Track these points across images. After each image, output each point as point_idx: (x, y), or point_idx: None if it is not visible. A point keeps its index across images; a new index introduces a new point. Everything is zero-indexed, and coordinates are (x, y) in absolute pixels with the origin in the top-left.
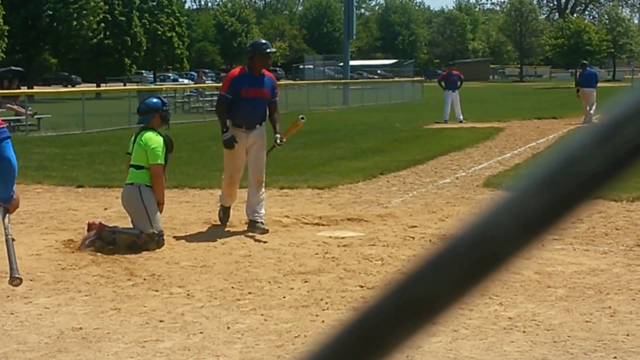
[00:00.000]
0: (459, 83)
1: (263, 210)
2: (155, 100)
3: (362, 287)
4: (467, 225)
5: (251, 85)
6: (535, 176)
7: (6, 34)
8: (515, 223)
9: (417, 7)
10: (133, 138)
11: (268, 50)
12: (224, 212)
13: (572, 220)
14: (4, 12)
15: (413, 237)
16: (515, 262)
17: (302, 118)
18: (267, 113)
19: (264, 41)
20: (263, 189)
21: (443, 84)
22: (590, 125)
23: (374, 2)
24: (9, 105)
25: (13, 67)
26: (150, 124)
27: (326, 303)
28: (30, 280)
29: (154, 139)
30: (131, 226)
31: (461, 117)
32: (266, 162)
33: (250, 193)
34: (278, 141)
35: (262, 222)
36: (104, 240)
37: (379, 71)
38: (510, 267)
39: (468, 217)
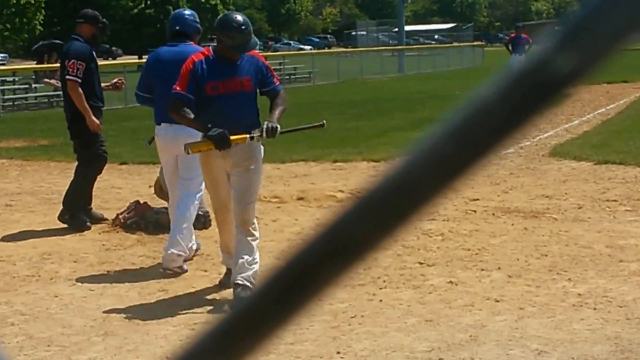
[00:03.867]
0: (527, 47)
1: (254, 268)
2: None
3: (421, 264)
4: (386, 171)
5: (219, 77)
6: (449, 124)
7: (43, 5)
8: (429, 168)
9: None
10: None
11: (240, 36)
12: (227, 276)
13: (480, 167)
14: None
15: (475, 211)
16: (430, 206)
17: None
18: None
19: (235, 17)
20: (255, 235)
21: (510, 47)
22: (500, 75)
23: None
24: (46, 80)
25: (53, 41)
26: None
27: (384, 281)
28: (74, 261)
29: None
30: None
31: None
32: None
33: (235, 235)
34: (248, 139)
35: (244, 285)
36: (147, 221)
37: (436, 36)
38: (426, 211)
39: (390, 163)
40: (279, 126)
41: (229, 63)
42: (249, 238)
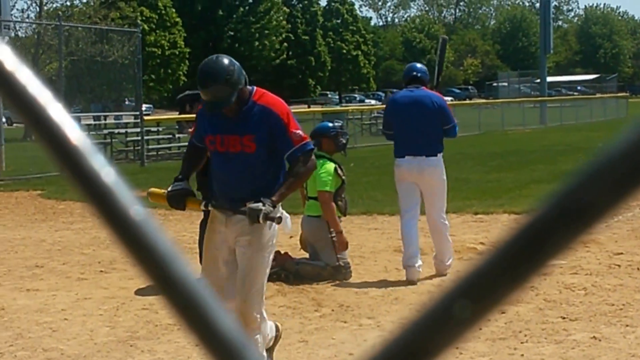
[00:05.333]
0: None
1: None
2: (323, 123)
3: (563, 318)
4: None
5: (218, 130)
6: (583, 172)
7: (187, 56)
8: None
9: (619, 17)
10: None
11: (202, 92)
12: None
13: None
14: (185, 35)
15: (619, 265)
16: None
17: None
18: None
19: (204, 65)
20: (257, 336)
21: None
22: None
23: (572, 14)
24: (190, 130)
25: (197, 92)
26: (321, 149)
27: (525, 335)
28: None
29: (324, 167)
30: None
31: None
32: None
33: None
34: (202, 206)
35: None
36: (287, 271)
37: (578, 87)
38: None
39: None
40: (268, 210)
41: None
42: (255, 335)
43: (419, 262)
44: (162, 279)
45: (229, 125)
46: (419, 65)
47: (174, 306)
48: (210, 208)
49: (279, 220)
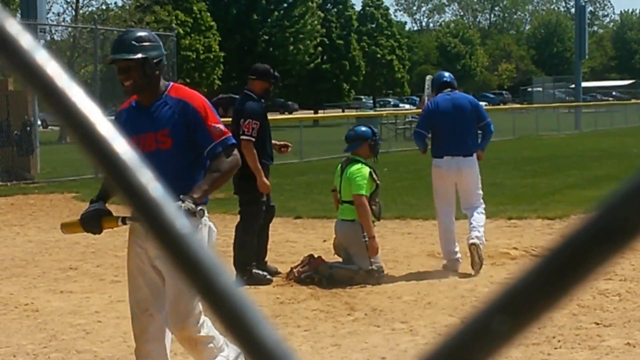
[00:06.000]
0: None
1: None
2: (364, 128)
3: (597, 324)
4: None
5: (135, 132)
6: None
7: (222, 60)
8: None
9: None
10: (339, 171)
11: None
12: None
13: None
14: (220, 39)
15: None
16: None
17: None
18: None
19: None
20: (210, 345)
21: None
22: None
23: (607, 19)
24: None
25: (231, 95)
26: (357, 153)
27: (558, 341)
28: None
29: (359, 171)
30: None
31: None
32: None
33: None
34: (120, 222)
35: None
36: (321, 275)
37: (613, 93)
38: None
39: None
40: (188, 206)
41: (144, 109)
42: (201, 348)
43: (459, 255)
44: (208, 291)
45: (144, 123)
46: (445, 73)
47: (219, 317)
48: (128, 223)
49: (202, 213)
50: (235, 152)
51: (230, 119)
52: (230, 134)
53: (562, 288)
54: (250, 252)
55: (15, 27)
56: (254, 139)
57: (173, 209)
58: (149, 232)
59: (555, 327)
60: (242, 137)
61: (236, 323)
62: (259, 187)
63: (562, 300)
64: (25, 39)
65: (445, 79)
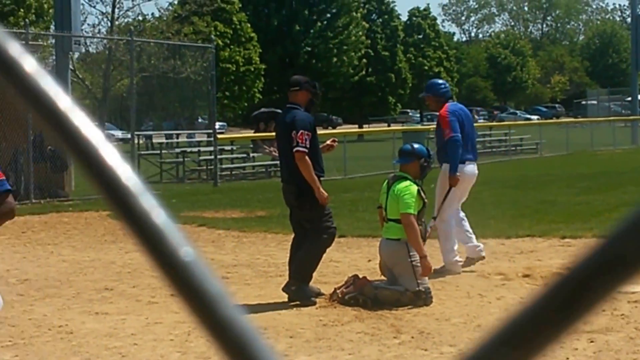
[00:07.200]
0: None
1: None
2: (422, 147)
3: None
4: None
5: None
6: None
7: (263, 73)
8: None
9: None
10: (385, 188)
11: None
12: None
13: None
14: (261, 50)
15: None
16: None
17: None
18: None
19: None
20: None
21: None
22: None
23: None
24: (266, 147)
25: (274, 109)
26: (406, 169)
27: None
28: (290, 337)
29: (407, 189)
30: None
31: None
32: None
33: None
34: None
35: None
36: (366, 296)
37: None
38: None
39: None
40: None
41: None
42: None
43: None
44: (210, 320)
45: None
46: (439, 80)
47: (223, 348)
48: None
49: None
50: (10, 200)
51: (272, 133)
52: (5, 179)
53: (565, 320)
54: (311, 267)
55: (17, 50)
56: (307, 150)
57: (177, 236)
58: (151, 259)
59: (612, 351)
60: (296, 148)
61: (241, 356)
62: (318, 198)
63: (565, 332)
64: (28, 63)
65: (449, 90)
